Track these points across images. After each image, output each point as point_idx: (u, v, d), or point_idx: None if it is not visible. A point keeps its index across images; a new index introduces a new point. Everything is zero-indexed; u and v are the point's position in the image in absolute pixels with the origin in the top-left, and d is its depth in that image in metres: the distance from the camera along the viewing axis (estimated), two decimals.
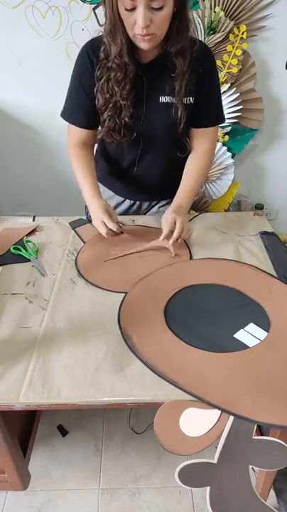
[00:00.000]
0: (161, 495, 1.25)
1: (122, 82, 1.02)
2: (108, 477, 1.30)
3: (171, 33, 0.96)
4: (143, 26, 0.88)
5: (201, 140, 1.17)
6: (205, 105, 1.11)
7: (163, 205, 1.34)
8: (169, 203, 1.33)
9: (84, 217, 1.30)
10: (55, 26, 1.75)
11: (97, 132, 1.17)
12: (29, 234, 1.23)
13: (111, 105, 1.05)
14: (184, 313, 0.91)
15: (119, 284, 1.00)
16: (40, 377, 0.77)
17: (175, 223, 1.08)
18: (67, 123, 1.18)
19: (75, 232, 1.23)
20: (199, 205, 2.09)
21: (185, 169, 1.20)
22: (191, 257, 1.10)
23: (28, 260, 1.10)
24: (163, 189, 1.29)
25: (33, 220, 1.30)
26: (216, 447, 0.71)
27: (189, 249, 1.13)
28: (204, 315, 0.90)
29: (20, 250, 1.13)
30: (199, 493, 1.24)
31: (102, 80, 1.04)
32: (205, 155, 1.19)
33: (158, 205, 1.35)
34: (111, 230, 1.11)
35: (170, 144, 1.16)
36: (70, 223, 1.27)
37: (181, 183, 1.18)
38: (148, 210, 1.37)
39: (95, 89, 1.06)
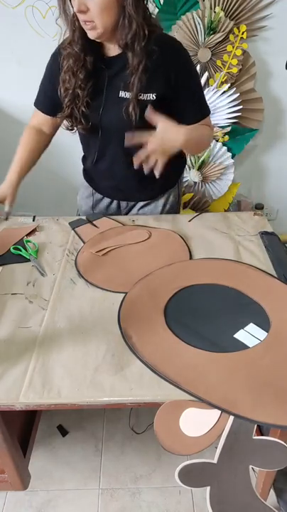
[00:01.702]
0: (161, 495, 1.25)
1: (78, 71, 1.05)
2: (108, 477, 1.30)
3: (118, 29, 0.99)
4: (76, 11, 0.93)
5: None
6: (189, 101, 1.11)
7: (141, 207, 1.35)
8: (147, 205, 1.34)
9: (84, 217, 1.30)
10: (55, 26, 1.73)
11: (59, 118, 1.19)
12: (29, 234, 1.23)
13: (70, 92, 1.09)
14: (184, 313, 0.91)
15: (119, 284, 1.00)
16: (40, 377, 0.77)
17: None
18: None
19: (75, 232, 1.23)
20: (199, 205, 2.09)
21: None
22: (191, 257, 1.10)
23: (28, 260, 1.10)
24: (137, 189, 1.29)
25: (33, 220, 1.30)
26: (216, 447, 0.71)
27: (189, 249, 1.13)
28: (204, 315, 0.90)
29: (20, 250, 1.13)
30: (199, 493, 1.24)
31: (65, 68, 1.08)
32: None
33: (136, 207, 1.35)
34: None
35: None
36: (70, 223, 1.27)
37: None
38: (129, 211, 1.37)
39: (60, 79, 1.10)
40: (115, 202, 1.35)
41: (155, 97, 1.07)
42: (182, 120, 1.08)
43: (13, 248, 1.14)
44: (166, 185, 1.34)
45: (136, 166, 1.04)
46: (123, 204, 1.35)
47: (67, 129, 1.19)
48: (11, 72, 1.86)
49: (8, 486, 1.00)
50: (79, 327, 0.88)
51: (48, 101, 1.20)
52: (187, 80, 1.10)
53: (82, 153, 1.34)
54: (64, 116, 1.14)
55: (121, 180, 1.27)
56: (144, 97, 1.06)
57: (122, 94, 1.08)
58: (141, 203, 1.34)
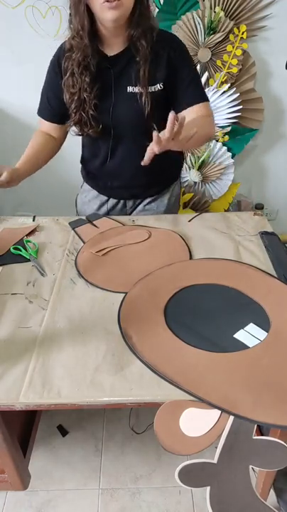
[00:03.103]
0: (161, 495, 1.25)
1: (82, 75, 1.05)
2: (108, 477, 1.30)
3: (134, 16, 1.00)
4: None
5: (197, 112, 1.11)
6: (188, 86, 1.10)
7: (148, 203, 1.34)
8: (154, 201, 1.34)
9: (84, 217, 1.30)
10: (55, 26, 1.75)
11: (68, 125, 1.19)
12: (29, 234, 1.23)
13: (75, 98, 1.08)
14: (184, 313, 0.91)
15: (119, 284, 1.00)
16: (40, 377, 0.77)
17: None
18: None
19: (75, 232, 1.23)
20: (199, 205, 2.09)
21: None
22: (191, 257, 1.10)
23: (28, 260, 1.10)
24: (144, 186, 1.30)
25: (33, 220, 1.30)
26: (216, 447, 0.71)
27: (189, 249, 1.13)
28: (204, 315, 0.90)
29: (20, 250, 1.13)
30: (199, 493, 1.24)
31: (68, 74, 1.07)
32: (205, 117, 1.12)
33: (143, 204, 1.35)
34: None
35: (142, 134, 1.13)
36: (70, 223, 1.27)
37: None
38: (134, 209, 1.37)
39: (62, 83, 1.10)
40: (121, 202, 1.34)
41: (162, 87, 1.09)
42: (183, 103, 1.11)
43: (13, 248, 1.14)
44: (172, 178, 1.36)
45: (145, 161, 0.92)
46: (130, 203, 1.35)
47: (77, 134, 1.18)
48: (11, 72, 1.86)
49: (8, 486, 1.00)
50: (79, 327, 0.88)
51: (51, 109, 1.19)
52: (186, 65, 1.12)
53: (81, 155, 1.33)
54: (73, 123, 1.13)
55: (130, 179, 1.26)
56: (152, 88, 1.08)
57: (130, 89, 1.09)
58: (148, 199, 1.34)
